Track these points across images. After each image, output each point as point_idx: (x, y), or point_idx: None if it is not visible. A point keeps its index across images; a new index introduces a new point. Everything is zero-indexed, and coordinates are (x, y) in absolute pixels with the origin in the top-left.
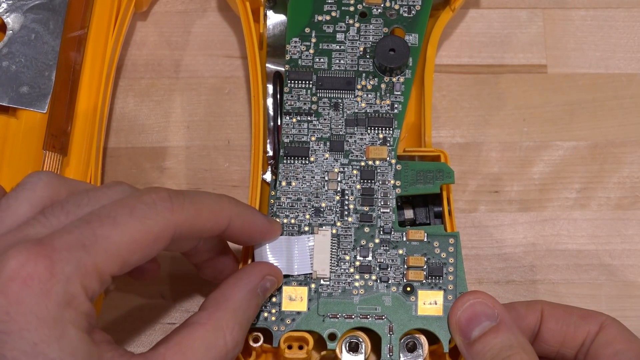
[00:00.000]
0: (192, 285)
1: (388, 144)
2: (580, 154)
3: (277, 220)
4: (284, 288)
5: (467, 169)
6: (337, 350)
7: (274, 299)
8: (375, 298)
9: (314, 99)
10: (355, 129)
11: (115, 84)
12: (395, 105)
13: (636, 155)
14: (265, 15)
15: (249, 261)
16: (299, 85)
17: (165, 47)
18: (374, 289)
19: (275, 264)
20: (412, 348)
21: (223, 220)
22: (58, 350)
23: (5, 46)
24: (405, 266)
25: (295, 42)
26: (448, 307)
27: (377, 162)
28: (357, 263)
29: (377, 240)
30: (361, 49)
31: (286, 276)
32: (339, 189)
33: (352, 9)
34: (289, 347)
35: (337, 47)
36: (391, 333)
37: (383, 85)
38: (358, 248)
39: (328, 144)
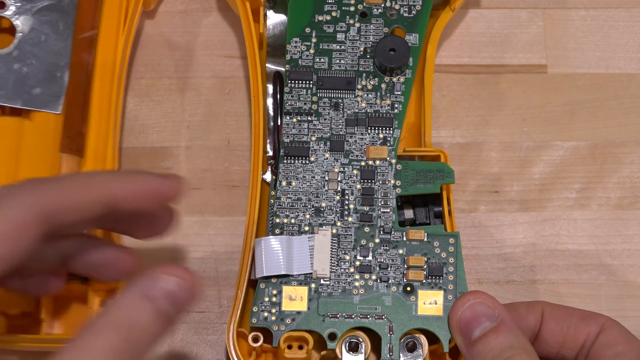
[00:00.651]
0: None
1: (388, 144)
2: (580, 154)
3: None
4: (284, 288)
5: (467, 169)
6: (337, 350)
7: (274, 299)
8: (376, 298)
9: (314, 98)
10: (356, 128)
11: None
12: (396, 105)
13: (636, 155)
14: (265, 15)
15: (248, 263)
16: (299, 85)
17: (165, 47)
18: (374, 289)
19: (274, 264)
20: (412, 348)
21: (101, 192)
22: None
23: (15, 48)
24: (406, 266)
25: (296, 42)
26: (448, 307)
27: (378, 162)
28: (357, 263)
29: (377, 240)
30: (361, 49)
31: (286, 276)
32: (339, 189)
33: (352, 8)
34: (289, 347)
35: (338, 47)
36: (391, 333)
37: (383, 85)
38: (358, 248)
39: (328, 143)
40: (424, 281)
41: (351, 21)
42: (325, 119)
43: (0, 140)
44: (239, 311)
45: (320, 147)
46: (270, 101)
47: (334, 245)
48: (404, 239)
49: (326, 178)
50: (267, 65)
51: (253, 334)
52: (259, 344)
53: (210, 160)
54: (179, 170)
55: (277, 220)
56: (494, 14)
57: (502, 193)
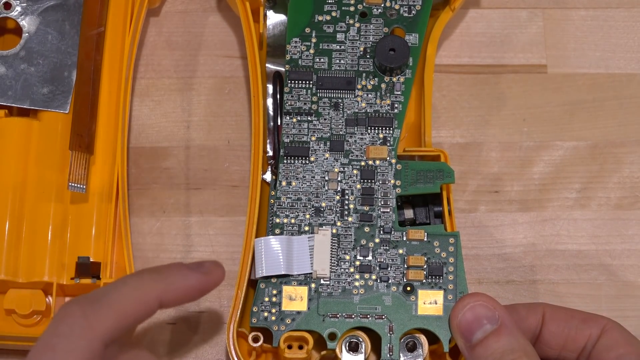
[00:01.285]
0: None
1: (388, 144)
2: (580, 154)
3: (216, 261)
4: (284, 288)
5: (467, 169)
6: (337, 350)
7: (274, 299)
8: (376, 298)
9: (314, 98)
10: (356, 128)
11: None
12: (396, 105)
13: (636, 155)
14: (265, 15)
15: (248, 263)
16: (299, 85)
17: (165, 47)
18: (374, 289)
19: (274, 264)
20: (412, 348)
21: (152, 306)
22: None
23: (22, 49)
24: (406, 266)
25: (296, 42)
26: (448, 306)
27: (377, 162)
28: (357, 263)
29: (377, 240)
30: (361, 49)
31: (286, 276)
32: (339, 189)
33: (352, 8)
34: (289, 347)
35: (338, 47)
36: (391, 333)
37: (383, 85)
38: (358, 248)
39: (328, 143)
40: (424, 281)
41: (351, 21)
42: (325, 119)
43: (9, 141)
44: (239, 311)
45: (320, 147)
46: (270, 101)
47: (334, 245)
48: (404, 238)
49: (326, 178)
50: (267, 65)
51: (253, 334)
52: (259, 344)
53: (210, 160)
54: (179, 170)
55: (277, 220)
56: (494, 14)
57: (502, 193)
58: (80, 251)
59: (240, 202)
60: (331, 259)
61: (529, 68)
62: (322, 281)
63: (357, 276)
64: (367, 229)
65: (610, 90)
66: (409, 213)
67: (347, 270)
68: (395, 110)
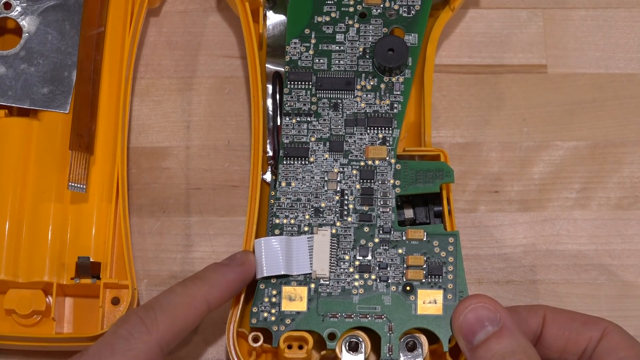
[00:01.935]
0: None
1: (388, 144)
2: (580, 154)
3: (245, 251)
4: (284, 288)
5: (467, 169)
6: (337, 350)
7: (273, 299)
8: (375, 297)
9: (314, 99)
10: (355, 129)
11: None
12: (395, 105)
13: (636, 155)
14: (265, 15)
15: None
16: (299, 86)
17: (165, 47)
18: (374, 289)
19: (274, 265)
20: (412, 347)
21: (201, 308)
22: None
23: (22, 49)
24: (405, 265)
25: (295, 43)
26: (448, 306)
27: (377, 162)
28: (357, 263)
29: (376, 240)
30: (360, 49)
31: (286, 276)
32: (338, 189)
33: (351, 9)
34: (289, 347)
35: (337, 47)
36: (391, 332)
37: (383, 85)
38: (357, 248)
39: (328, 144)
40: (424, 280)
41: (350, 22)
42: (324, 120)
43: (9, 141)
44: (238, 311)
45: (319, 148)
46: (270, 101)
47: (334, 246)
48: (404, 238)
49: (325, 178)
50: (267, 65)
51: (253, 334)
52: (259, 344)
53: (210, 160)
54: (179, 170)
55: (277, 221)
56: (494, 14)
57: (502, 193)
58: (80, 251)
59: (240, 202)
60: (331, 259)
61: (529, 68)
62: (321, 281)
63: (356, 276)
64: (366, 229)
65: (610, 90)
66: (408, 213)
67: (346, 270)
68: (395, 110)
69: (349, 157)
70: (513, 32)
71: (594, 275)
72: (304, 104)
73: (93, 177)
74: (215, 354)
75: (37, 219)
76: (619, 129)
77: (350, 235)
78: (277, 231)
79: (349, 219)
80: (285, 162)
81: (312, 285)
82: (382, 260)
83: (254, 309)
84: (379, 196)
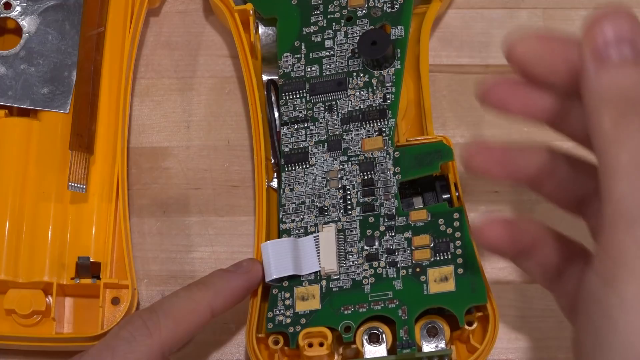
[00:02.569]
0: None
1: (384, 134)
2: (580, 153)
3: (251, 258)
4: (296, 289)
5: None
6: (358, 343)
7: (287, 302)
8: (386, 284)
9: (309, 105)
10: (351, 125)
11: None
12: (388, 97)
13: None
14: (257, 25)
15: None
16: (294, 96)
17: (165, 47)
18: (384, 275)
19: (282, 266)
20: (433, 333)
21: (205, 313)
22: None
23: (22, 49)
24: (412, 247)
25: (287, 56)
26: (460, 280)
27: (375, 153)
28: (364, 253)
29: (382, 228)
30: (349, 50)
31: (297, 278)
32: (340, 186)
33: (337, 15)
34: (310, 345)
35: (327, 53)
36: (405, 316)
37: (374, 80)
38: (364, 239)
39: (326, 145)
40: (432, 259)
41: (337, 27)
42: (321, 123)
43: (9, 141)
44: (256, 318)
45: (318, 150)
46: (267, 109)
47: (340, 240)
48: (409, 222)
49: (327, 178)
50: (263, 75)
51: (272, 337)
52: (279, 346)
53: (210, 160)
54: (179, 170)
55: (284, 227)
56: (494, 14)
57: (502, 193)
58: (80, 251)
59: (241, 202)
60: (339, 254)
61: None
62: (332, 277)
63: (365, 266)
64: (371, 219)
65: None
66: (417, 202)
67: (355, 262)
68: (388, 102)
69: (348, 154)
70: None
71: None
72: (300, 112)
73: (93, 177)
74: (215, 354)
75: (37, 219)
76: None
77: (356, 227)
78: (285, 236)
79: (353, 212)
80: (286, 169)
81: (323, 283)
82: (389, 246)
83: (269, 314)
84: (380, 186)
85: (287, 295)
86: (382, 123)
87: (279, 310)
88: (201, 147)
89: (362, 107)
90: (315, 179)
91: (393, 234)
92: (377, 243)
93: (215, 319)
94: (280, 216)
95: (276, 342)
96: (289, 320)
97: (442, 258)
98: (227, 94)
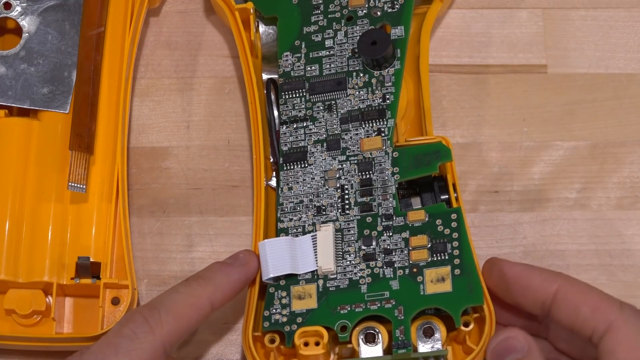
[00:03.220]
0: None
1: (383, 134)
2: (580, 154)
3: (247, 250)
4: (293, 288)
5: (467, 169)
6: (354, 342)
7: (284, 301)
8: (383, 284)
9: (308, 105)
10: (350, 125)
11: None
12: (387, 97)
13: (636, 155)
14: (257, 24)
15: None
16: (293, 95)
17: (165, 47)
18: (380, 275)
19: (279, 264)
20: (429, 334)
21: (205, 308)
22: None
23: (22, 49)
24: (409, 248)
25: (287, 55)
26: (456, 281)
27: (374, 153)
28: (362, 253)
29: (379, 228)
30: (349, 50)
31: (294, 276)
32: (338, 185)
33: (338, 14)
34: (305, 344)
35: (327, 52)
36: (401, 316)
37: (374, 80)
38: (361, 238)
39: (325, 144)
40: (429, 260)
41: (338, 27)
42: (320, 122)
43: (9, 141)
44: (252, 317)
45: (317, 149)
46: (267, 109)
47: (338, 240)
48: (406, 222)
49: (325, 177)
50: (263, 74)
51: (269, 335)
52: (276, 344)
53: (210, 160)
54: (179, 170)
55: (282, 226)
56: (494, 14)
57: (502, 193)
58: (80, 251)
59: (241, 202)
60: (336, 254)
61: (529, 68)
62: (329, 276)
63: (362, 266)
64: (369, 219)
65: (610, 90)
66: (416, 202)
67: (352, 262)
68: (387, 102)
69: (347, 154)
70: (513, 32)
71: (594, 275)
72: (299, 111)
73: (93, 177)
74: (215, 354)
75: (37, 219)
76: (619, 129)
77: (354, 227)
78: (282, 235)
79: (351, 212)
80: (285, 168)
81: (320, 282)
82: (386, 246)
83: (266, 313)
84: (378, 186)
85: (284, 294)
86: (381, 123)
87: (276, 309)
88: (201, 147)
89: (361, 106)
90: (313, 178)
91: (390, 234)
92: (374, 243)
93: (214, 312)
94: (278, 215)
95: (272, 341)
96: (285, 319)
97: (439, 259)
98: (227, 94)
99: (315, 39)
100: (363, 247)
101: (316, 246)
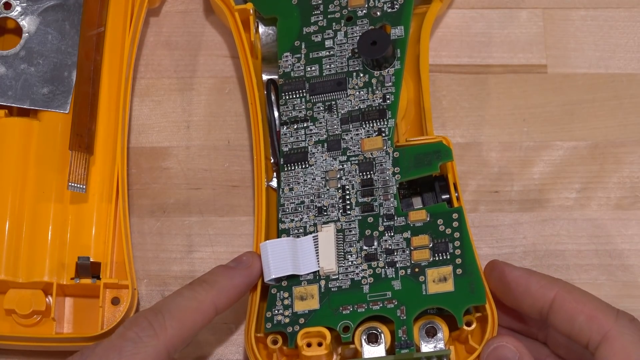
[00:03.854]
0: None
1: (383, 134)
2: (580, 154)
3: (250, 252)
4: (295, 289)
5: (467, 169)
6: (357, 343)
7: (286, 302)
8: (385, 284)
9: (309, 105)
10: (351, 125)
11: None
12: (387, 97)
13: (636, 155)
14: (257, 25)
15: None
16: (293, 96)
17: (165, 47)
18: (382, 275)
19: (281, 266)
20: (432, 333)
21: (209, 312)
22: None
23: (22, 49)
24: (411, 248)
25: (287, 56)
26: (459, 281)
27: (375, 153)
28: (363, 253)
29: (381, 228)
30: (349, 50)
31: (296, 277)
32: (339, 186)
33: (337, 15)
34: (308, 345)
35: (327, 53)
36: (403, 316)
37: (374, 80)
38: (363, 239)
39: (325, 145)
40: (431, 260)
41: (338, 27)
42: (320, 123)
43: (9, 141)
44: (254, 318)
45: (318, 150)
46: (267, 109)
47: (339, 240)
48: (408, 222)
49: (326, 178)
50: (263, 75)
51: (271, 336)
52: (278, 345)
53: (210, 160)
54: (179, 170)
55: (283, 227)
56: (494, 14)
57: (502, 193)
58: (80, 251)
59: (241, 202)
60: (338, 254)
61: (529, 68)
62: (331, 277)
63: (364, 266)
64: (370, 219)
65: (610, 90)
66: (417, 202)
67: (353, 262)
68: (388, 102)
69: (347, 154)
70: (513, 32)
71: (594, 275)
72: (300, 112)
73: (93, 177)
74: (215, 354)
75: (37, 219)
76: (619, 129)
77: (355, 227)
78: (284, 236)
79: (352, 212)
80: (286, 169)
81: (322, 282)
82: (388, 246)
83: (268, 314)
84: (379, 186)
85: (286, 295)
86: (382, 123)
87: (278, 310)
88: (201, 147)
89: (361, 107)
90: (314, 179)
91: (392, 234)
92: (376, 243)
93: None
94: (280, 216)
95: (275, 342)
96: (287, 320)
97: (441, 258)
98: (227, 94)
99: (315, 40)
100: (365, 248)
101: (318, 247)
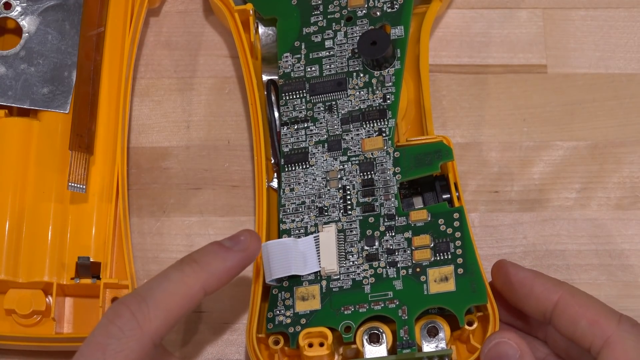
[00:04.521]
0: None
1: (384, 134)
2: (580, 154)
3: (250, 231)
4: (296, 289)
5: (467, 169)
6: (358, 343)
7: (287, 302)
8: (386, 284)
9: (309, 105)
10: (351, 125)
11: None
12: (388, 97)
13: (636, 155)
14: (257, 25)
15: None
16: (293, 96)
17: (165, 47)
18: (384, 276)
19: (282, 266)
20: (433, 333)
21: (197, 296)
22: None
23: (22, 49)
24: (412, 247)
25: (287, 57)
26: (460, 280)
27: (375, 153)
28: (365, 253)
29: (382, 228)
30: (349, 51)
31: (296, 277)
32: (340, 186)
33: (337, 15)
34: (310, 346)
35: (327, 53)
36: (405, 316)
37: (374, 80)
38: (364, 239)
39: (326, 145)
40: (432, 259)
41: (337, 27)
42: (320, 123)
43: (9, 141)
44: (256, 318)
45: (318, 150)
46: (268, 110)
47: (340, 241)
48: (409, 222)
49: (327, 178)
50: (263, 75)
51: (273, 337)
52: (280, 346)
53: (210, 160)
54: (179, 170)
55: (284, 227)
56: (494, 14)
57: (502, 193)
58: (80, 251)
59: (240, 202)
60: (339, 254)
61: (529, 68)
62: (332, 277)
63: (365, 266)
64: (371, 219)
65: (610, 90)
66: (417, 202)
67: (355, 263)
68: (388, 102)
69: (348, 154)
70: (513, 32)
71: (594, 275)
72: (300, 112)
73: (93, 177)
74: (215, 354)
75: (37, 219)
76: (619, 129)
77: (356, 228)
78: (285, 236)
79: (353, 212)
80: (286, 170)
81: (324, 283)
82: (389, 246)
83: (269, 315)
84: (380, 186)
85: (287, 295)
86: (382, 123)
87: (279, 311)
88: (201, 147)
89: (362, 107)
90: (315, 179)
91: (393, 234)
92: (377, 243)
93: (214, 313)
94: (280, 216)
95: (276, 342)
96: (289, 321)
97: (442, 258)
98: (227, 94)
99: (315, 40)
100: (366, 248)
101: (319, 247)
